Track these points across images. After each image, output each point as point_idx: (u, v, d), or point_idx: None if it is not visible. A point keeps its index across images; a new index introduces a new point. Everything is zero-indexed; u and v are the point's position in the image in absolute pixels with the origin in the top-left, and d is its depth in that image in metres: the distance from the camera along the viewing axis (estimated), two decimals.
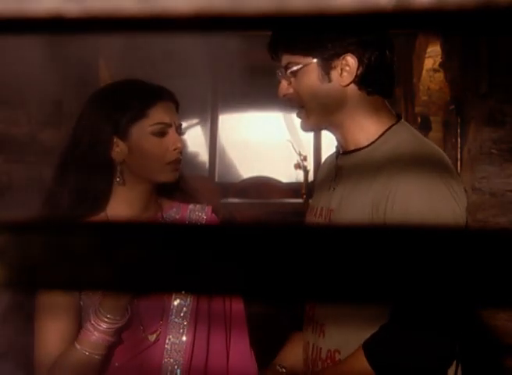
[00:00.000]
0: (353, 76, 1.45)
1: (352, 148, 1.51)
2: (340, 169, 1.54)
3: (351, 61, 1.44)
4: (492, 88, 2.81)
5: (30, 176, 3.02)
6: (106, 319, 1.38)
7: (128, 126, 1.48)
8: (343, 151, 1.54)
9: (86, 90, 3.32)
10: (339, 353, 1.48)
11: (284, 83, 1.51)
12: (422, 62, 4.64)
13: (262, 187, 5.09)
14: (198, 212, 1.61)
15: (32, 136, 2.96)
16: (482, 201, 3.01)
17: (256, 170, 5.22)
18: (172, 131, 1.50)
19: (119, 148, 1.50)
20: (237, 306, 1.58)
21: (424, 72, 4.65)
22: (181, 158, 1.51)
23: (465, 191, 1.58)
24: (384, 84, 1.50)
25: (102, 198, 1.51)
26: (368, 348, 1.40)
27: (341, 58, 1.44)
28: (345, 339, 1.47)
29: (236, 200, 4.72)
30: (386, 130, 1.49)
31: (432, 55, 4.48)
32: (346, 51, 1.44)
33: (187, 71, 5.17)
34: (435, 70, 4.52)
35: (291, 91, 1.50)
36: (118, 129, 1.49)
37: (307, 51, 1.45)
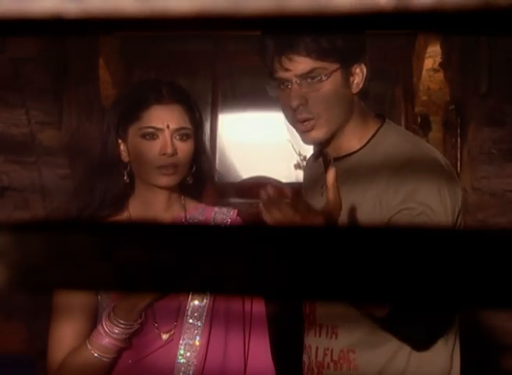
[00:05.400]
0: (362, 84, 1.48)
1: (343, 153, 1.52)
2: None
3: (363, 69, 1.48)
4: (492, 88, 2.81)
5: (30, 176, 3.02)
6: (118, 325, 1.39)
7: (125, 128, 1.52)
8: (333, 158, 1.54)
9: (85, 89, 3.32)
10: (354, 352, 1.48)
11: (298, 91, 1.44)
12: (422, 62, 4.64)
13: (262, 187, 5.09)
14: (223, 215, 1.61)
15: (32, 136, 2.96)
16: (482, 201, 3.01)
17: (256, 170, 5.22)
18: (163, 136, 1.48)
19: (122, 150, 1.53)
20: (258, 308, 1.57)
21: (424, 72, 4.64)
22: (176, 164, 1.49)
23: (465, 190, 1.60)
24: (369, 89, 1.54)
25: (121, 199, 1.54)
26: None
27: (356, 65, 1.47)
28: (359, 337, 1.48)
29: (236, 200, 4.71)
30: (375, 133, 1.51)
31: (432, 55, 4.48)
32: (360, 59, 1.48)
33: (187, 71, 5.17)
34: (435, 70, 4.52)
35: (305, 100, 1.44)
36: (119, 131, 1.53)
37: (334, 57, 1.43)
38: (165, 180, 1.49)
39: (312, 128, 1.47)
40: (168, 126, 1.49)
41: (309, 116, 1.46)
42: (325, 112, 1.45)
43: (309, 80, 1.43)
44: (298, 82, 1.43)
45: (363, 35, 1.46)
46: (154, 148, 1.48)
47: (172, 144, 1.48)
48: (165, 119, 1.49)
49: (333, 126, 1.48)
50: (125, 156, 1.53)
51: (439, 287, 0.39)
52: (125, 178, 1.53)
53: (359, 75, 1.48)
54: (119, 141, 1.53)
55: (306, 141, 1.50)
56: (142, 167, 1.51)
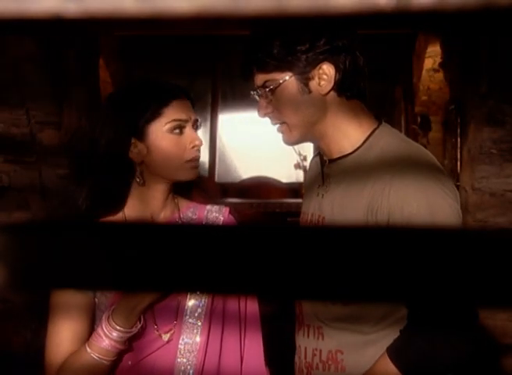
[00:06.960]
0: (332, 84, 1.45)
1: (337, 155, 1.52)
2: (328, 177, 1.55)
3: (328, 68, 1.44)
4: (492, 88, 2.80)
5: (30, 176, 3.02)
6: (117, 328, 1.38)
7: (145, 126, 1.48)
8: (328, 160, 1.54)
9: (85, 89, 3.32)
10: (342, 353, 1.48)
11: (263, 103, 1.50)
12: (422, 62, 4.65)
13: (262, 187, 5.10)
14: (215, 213, 1.61)
15: (32, 136, 2.96)
16: (482, 201, 3.01)
17: (256, 170, 5.22)
18: (189, 128, 1.50)
19: (137, 149, 1.50)
20: (252, 307, 1.58)
21: (424, 72, 4.65)
22: (199, 156, 1.50)
23: (465, 190, 1.58)
24: (360, 87, 1.50)
25: (120, 199, 1.53)
26: (394, 352, 1.40)
27: (317, 67, 1.44)
28: (346, 338, 1.48)
29: (235, 200, 4.72)
30: (370, 135, 1.50)
31: (432, 55, 4.48)
32: (321, 60, 1.44)
33: (187, 71, 5.17)
34: (435, 70, 4.52)
35: (270, 109, 1.50)
36: (135, 130, 1.49)
37: (283, 67, 1.44)
38: (192, 173, 1.50)
39: (285, 131, 1.51)
40: (190, 118, 1.50)
41: (277, 121, 1.51)
42: (291, 118, 1.48)
43: (264, 91, 1.48)
44: (259, 94, 1.50)
45: (320, 37, 1.42)
46: (182, 142, 1.48)
47: (198, 137, 1.50)
48: (186, 111, 1.50)
49: (304, 130, 1.50)
50: (139, 156, 1.50)
51: (438, 287, 0.39)
52: (138, 180, 1.51)
53: (323, 76, 1.45)
54: (133, 140, 1.49)
55: (285, 143, 1.55)
56: (167, 163, 1.49)
